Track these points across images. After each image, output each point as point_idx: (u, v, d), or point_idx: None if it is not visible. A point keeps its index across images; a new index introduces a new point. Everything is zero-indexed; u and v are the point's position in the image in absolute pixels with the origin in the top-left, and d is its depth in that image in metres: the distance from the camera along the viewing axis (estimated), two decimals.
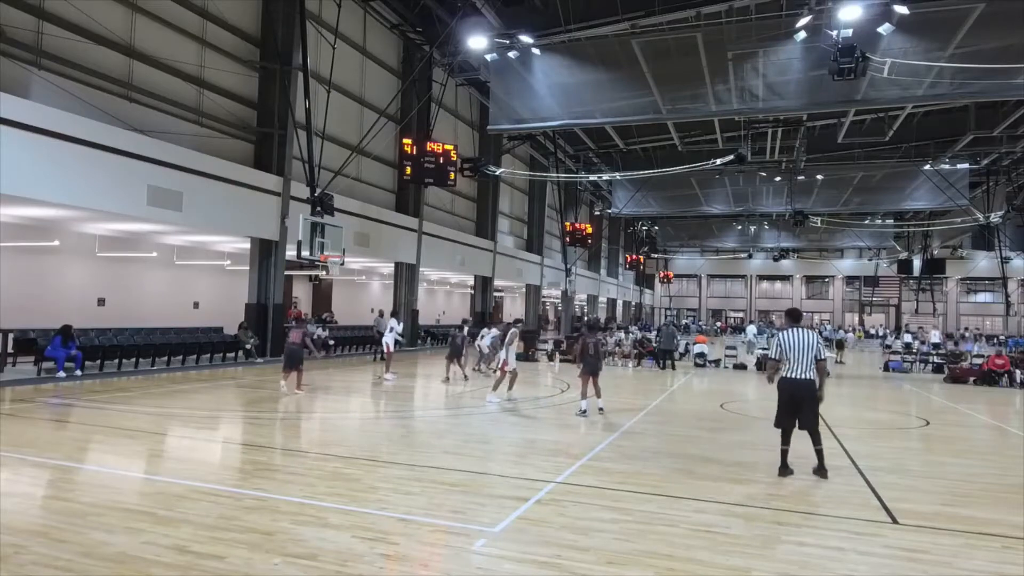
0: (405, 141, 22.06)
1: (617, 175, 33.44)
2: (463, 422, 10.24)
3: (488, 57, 20.80)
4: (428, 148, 21.81)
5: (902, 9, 16.63)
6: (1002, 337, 37.48)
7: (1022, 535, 5.39)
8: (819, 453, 7.08)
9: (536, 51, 20.33)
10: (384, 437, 8.85)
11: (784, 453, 7.09)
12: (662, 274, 66.57)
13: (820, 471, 7.01)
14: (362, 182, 23.99)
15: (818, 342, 7.07)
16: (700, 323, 61.32)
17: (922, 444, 9.96)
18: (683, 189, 37.73)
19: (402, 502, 5.69)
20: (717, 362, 23.09)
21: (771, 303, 68.63)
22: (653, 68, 20.44)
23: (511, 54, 20.23)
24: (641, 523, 5.31)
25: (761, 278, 68.86)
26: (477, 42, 20.24)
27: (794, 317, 7.51)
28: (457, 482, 6.43)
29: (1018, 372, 18.44)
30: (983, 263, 54.46)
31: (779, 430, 7.15)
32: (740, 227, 50.18)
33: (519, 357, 21.51)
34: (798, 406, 7.02)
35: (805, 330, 7.19)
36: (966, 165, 31.40)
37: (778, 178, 35.01)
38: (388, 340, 15.67)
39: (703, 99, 21.03)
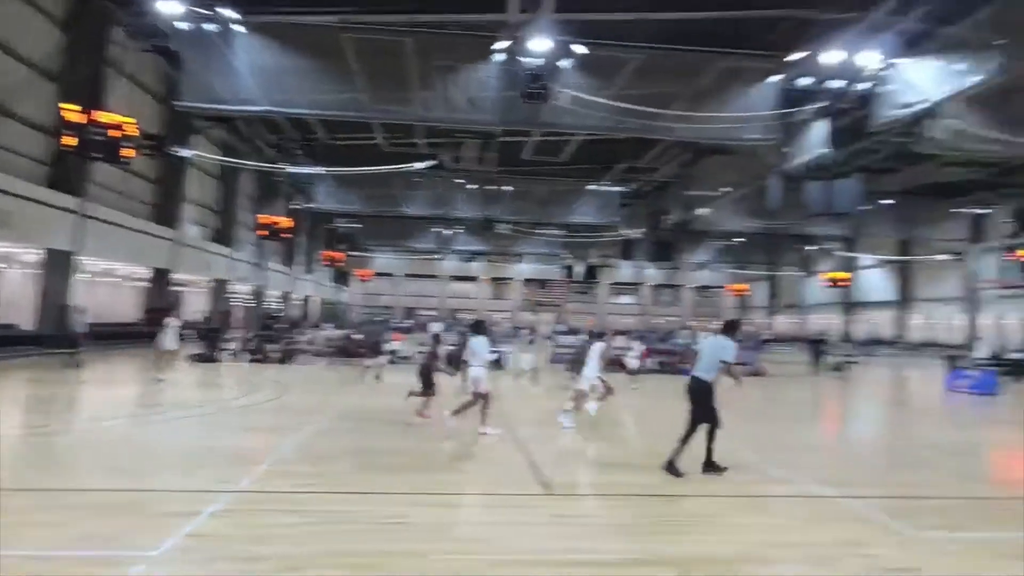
0: (68, 106, 18.46)
1: (319, 169, 32.52)
2: (137, 432, 9.00)
3: (181, 25, 18.50)
4: (98, 118, 18.57)
5: (581, 49, 19.29)
6: (634, 334, 45.57)
7: (649, 493, 6.70)
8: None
9: (239, 28, 18.75)
10: (22, 457, 7.36)
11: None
12: (360, 272, 66.51)
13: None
14: (1, 147, 19.43)
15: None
16: (396, 321, 62.67)
17: (578, 424, 11.23)
18: (385, 189, 38.23)
19: (31, 536, 4.72)
20: (408, 358, 23.88)
21: (461, 302, 73.31)
22: (361, 66, 20.39)
23: (209, 26, 18.33)
24: (324, 523, 5.30)
25: (453, 279, 73.07)
26: (169, 6, 17.86)
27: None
28: (111, 504, 5.59)
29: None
30: (626, 271, 65.46)
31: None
32: (436, 230, 52.59)
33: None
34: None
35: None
36: (618, 188, 37.51)
37: (472, 186, 37.59)
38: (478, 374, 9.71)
39: (409, 103, 21.66)
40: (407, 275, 72.70)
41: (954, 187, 32.20)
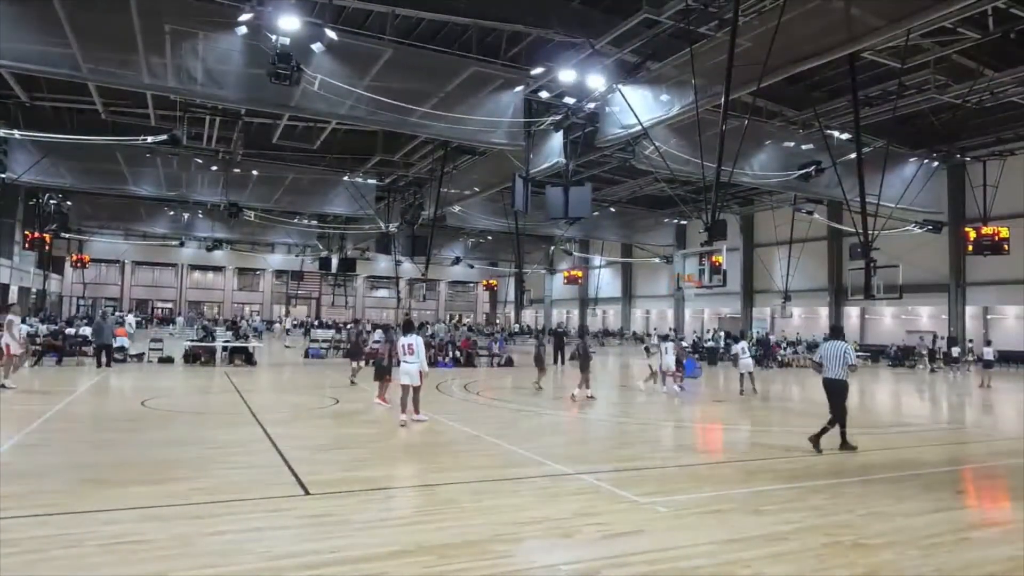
0: None
1: (16, 133, 27.26)
2: None
3: None
4: None
5: (332, 34, 18.64)
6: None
7: (400, 485, 6.83)
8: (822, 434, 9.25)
9: None
10: None
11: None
12: (75, 257, 57.32)
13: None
14: None
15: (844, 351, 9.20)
16: (121, 313, 55.13)
17: (333, 420, 11.43)
18: (106, 163, 33.29)
19: None
20: (141, 356, 21.44)
21: (204, 294, 67.07)
22: (73, 16, 17.46)
23: None
24: (33, 552, 4.59)
25: (193, 268, 66.51)
26: None
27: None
28: None
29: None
30: (383, 264, 65.22)
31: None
32: (172, 212, 47.43)
33: None
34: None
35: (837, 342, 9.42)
36: (373, 181, 37.13)
37: (214, 167, 34.47)
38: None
39: (135, 68, 19.08)
40: (137, 263, 64.62)
41: (664, 200, 37.43)
